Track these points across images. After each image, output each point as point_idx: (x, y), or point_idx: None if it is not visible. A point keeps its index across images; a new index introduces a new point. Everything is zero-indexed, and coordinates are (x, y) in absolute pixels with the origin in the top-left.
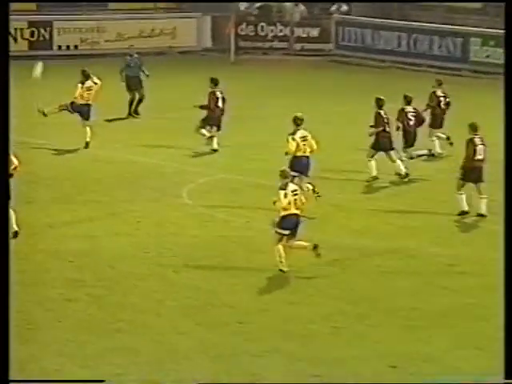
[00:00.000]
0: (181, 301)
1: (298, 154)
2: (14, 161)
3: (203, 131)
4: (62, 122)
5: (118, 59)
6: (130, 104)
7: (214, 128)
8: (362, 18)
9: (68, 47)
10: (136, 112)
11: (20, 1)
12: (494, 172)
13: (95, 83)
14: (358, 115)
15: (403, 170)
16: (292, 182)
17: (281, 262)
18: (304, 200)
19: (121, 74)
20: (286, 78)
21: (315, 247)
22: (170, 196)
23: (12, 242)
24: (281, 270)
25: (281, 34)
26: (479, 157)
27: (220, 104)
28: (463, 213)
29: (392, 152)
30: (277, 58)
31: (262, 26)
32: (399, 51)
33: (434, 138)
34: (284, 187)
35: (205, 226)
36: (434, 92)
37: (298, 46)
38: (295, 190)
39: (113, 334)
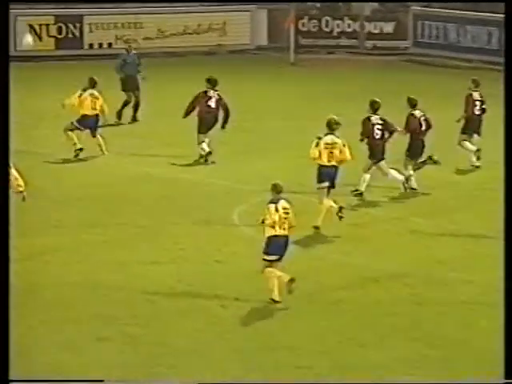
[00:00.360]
0: (230, 341)
1: (321, 162)
2: (17, 180)
3: (203, 145)
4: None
5: (158, 60)
6: (123, 106)
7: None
8: (445, 10)
9: (101, 46)
10: (135, 118)
11: (20, 1)
12: None
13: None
14: (438, 123)
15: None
16: (285, 199)
17: (273, 290)
18: (294, 223)
19: (118, 71)
20: (354, 80)
21: (291, 280)
22: (218, 219)
23: (36, 272)
24: (272, 300)
25: (349, 29)
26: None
27: (212, 104)
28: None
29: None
30: (344, 58)
31: (327, 21)
32: (489, 49)
33: (469, 147)
34: (275, 201)
35: (258, 255)
36: (471, 95)
37: (368, 44)
38: (287, 209)
39: (150, 380)
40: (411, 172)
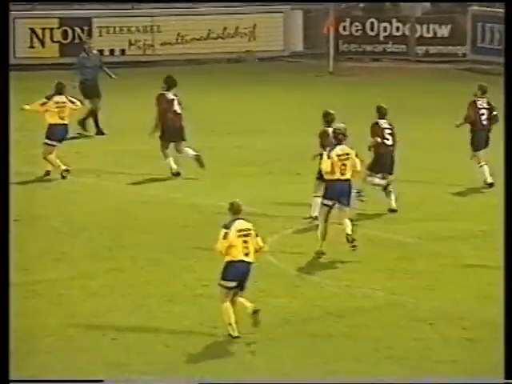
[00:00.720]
0: None
1: (333, 176)
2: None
3: (169, 160)
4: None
5: (177, 69)
6: (90, 113)
7: (180, 144)
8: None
9: (112, 52)
10: (100, 131)
11: (21, 1)
12: None
13: (72, 102)
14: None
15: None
16: (243, 219)
17: (229, 324)
18: (261, 244)
19: (76, 76)
20: (403, 92)
21: (255, 312)
22: None
23: (37, 313)
24: (230, 336)
25: (397, 33)
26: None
27: (177, 108)
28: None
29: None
30: (391, 66)
31: (372, 23)
32: None
33: (482, 163)
34: (228, 226)
35: (293, 292)
36: (475, 102)
37: (420, 50)
38: (246, 230)
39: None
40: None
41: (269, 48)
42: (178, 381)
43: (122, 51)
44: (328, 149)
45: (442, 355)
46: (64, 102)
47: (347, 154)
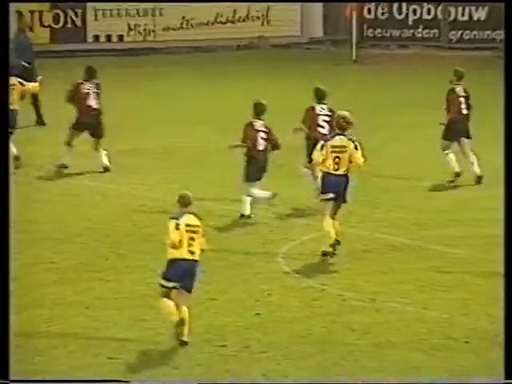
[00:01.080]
0: None
1: (327, 169)
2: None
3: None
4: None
5: (181, 57)
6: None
7: (97, 143)
8: None
9: (109, 38)
10: (41, 121)
11: (21, 1)
12: None
13: (21, 83)
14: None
15: None
16: (193, 214)
17: (178, 326)
18: (204, 244)
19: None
20: (434, 82)
21: (181, 321)
22: (259, 260)
23: (29, 327)
24: (181, 342)
25: (428, 16)
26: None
27: (92, 103)
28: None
29: None
30: (421, 53)
31: (400, 6)
32: None
33: (451, 154)
34: (177, 217)
35: (310, 306)
36: (453, 90)
37: (453, 35)
38: (194, 226)
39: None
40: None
41: (284, 33)
42: (177, 381)
43: (120, 37)
44: (327, 137)
45: (480, 375)
46: (13, 84)
47: (344, 147)
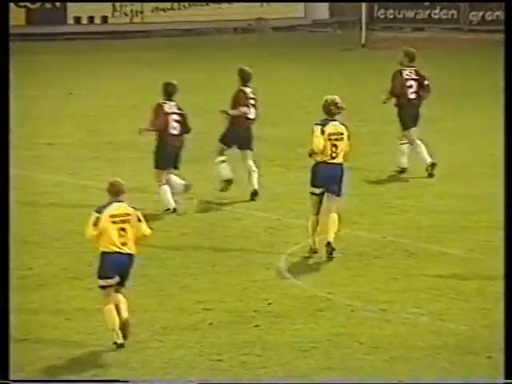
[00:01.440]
0: None
1: (322, 158)
2: None
3: None
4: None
5: (170, 40)
6: None
7: None
8: None
9: (92, 20)
10: None
11: (20, 1)
12: None
13: None
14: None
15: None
16: (123, 202)
17: (113, 330)
18: (145, 233)
19: None
20: (453, 69)
21: (124, 324)
22: (258, 266)
23: None
24: (115, 344)
25: None
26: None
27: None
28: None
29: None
30: (438, 37)
31: None
32: None
33: (403, 145)
34: (100, 210)
35: (315, 317)
36: (401, 72)
37: (474, 16)
38: (123, 216)
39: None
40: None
41: (286, 15)
42: (178, 381)
43: (104, 19)
44: (321, 123)
45: None
46: None
47: (341, 134)
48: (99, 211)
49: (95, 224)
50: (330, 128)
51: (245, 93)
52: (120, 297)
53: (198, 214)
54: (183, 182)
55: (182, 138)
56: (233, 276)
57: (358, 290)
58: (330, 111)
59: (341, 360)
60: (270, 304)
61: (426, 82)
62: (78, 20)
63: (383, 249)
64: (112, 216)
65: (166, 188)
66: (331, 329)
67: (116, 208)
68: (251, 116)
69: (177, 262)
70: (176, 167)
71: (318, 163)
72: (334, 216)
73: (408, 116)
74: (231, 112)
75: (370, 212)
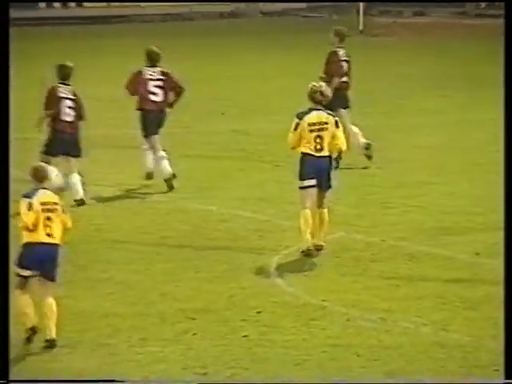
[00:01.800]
0: None
1: (307, 150)
2: None
3: None
4: None
5: (150, 26)
6: None
7: None
8: None
9: (65, 4)
10: None
11: (20, 1)
12: None
13: None
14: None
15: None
16: (48, 189)
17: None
18: (68, 224)
19: None
20: (457, 57)
21: (32, 329)
22: (247, 271)
23: None
24: (48, 341)
25: None
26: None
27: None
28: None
29: None
30: (441, 22)
31: None
32: None
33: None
34: (29, 195)
35: (308, 327)
36: (336, 53)
37: (479, 3)
38: (50, 204)
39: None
40: None
41: None
42: (178, 381)
43: (79, 2)
44: (299, 116)
45: None
46: None
47: (325, 123)
48: (28, 196)
49: (29, 209)
50: (312, 118)
51: (142, 73)
52: (44, 292)
53: (181, 215)
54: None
55: (77, 125)
56: (219, 282)
57: (354, 297)
58: (315, 99)
59: (336, 373)
60: (259, 313)
61: (348, 64)
62: (50, 4)
63: (382, 253)
64: (42, 203)
65: (76, 179)
66: (326, 339)
67: (45, 196)
68: (157, 99)
69: (157, 267)
70: (74, 155)
71: (305, 155)
72: (325, 212)
73: (340, 98)
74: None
75: (368, 213)
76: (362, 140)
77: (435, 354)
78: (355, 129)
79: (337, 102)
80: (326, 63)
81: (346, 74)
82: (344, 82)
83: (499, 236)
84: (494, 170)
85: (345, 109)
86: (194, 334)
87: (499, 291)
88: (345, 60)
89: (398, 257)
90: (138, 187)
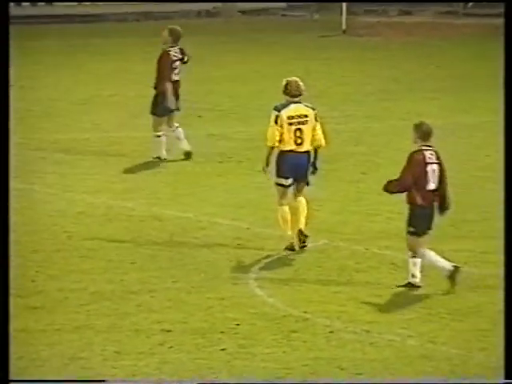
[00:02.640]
0: None
1: (286, 146)
2: None
3: None
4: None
5: (126, 26)
6: None
7: None
8: None
9: (34, 2)
10: None
11: (20, 1)
12: None
13: None
14: None
15: None
16: None
17: None
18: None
19: None
20: (446, 58)
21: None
22: (225, 281)
23: None
24: None
25: None
26: None
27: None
28: None
29: None
30: (428, 22)
31: None
32: None
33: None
34: (279, 108)
35: (288, 339)
36: (168, 52)
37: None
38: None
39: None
40: None
41: None
42: (177, 381)
43: (49, 0)
44: (278, 108)
45: None
46: None
47: (304, 116)
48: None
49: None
50: (290, 111)
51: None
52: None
53: (157, 222)
54: None
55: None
56: (196, 293)
57: (337, 308)
58: (290, 93)
59: None
60: (238, 325)
61: (185, 59)
62: (18, 2)
63: (366, 262)
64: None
65: None
66: (308, 353)
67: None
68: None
69: (132, 276)
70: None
71: (283, 152)
72: (302, 200)
73: (169, 99)
74: None
75: (352, 220)
76: (185, 147)
77: (422, 368)
78: (179, 132)
79: (167, 103)
80: (157, 64)
81: (178, 74)
82: (175, 81)
83: (487, 245)
84: (483, 175)
85: (177, 110)
86: (171, 347)
87: (488, 302)
88: (178, 59)
89: (382, 266)
90: (111, 193)
